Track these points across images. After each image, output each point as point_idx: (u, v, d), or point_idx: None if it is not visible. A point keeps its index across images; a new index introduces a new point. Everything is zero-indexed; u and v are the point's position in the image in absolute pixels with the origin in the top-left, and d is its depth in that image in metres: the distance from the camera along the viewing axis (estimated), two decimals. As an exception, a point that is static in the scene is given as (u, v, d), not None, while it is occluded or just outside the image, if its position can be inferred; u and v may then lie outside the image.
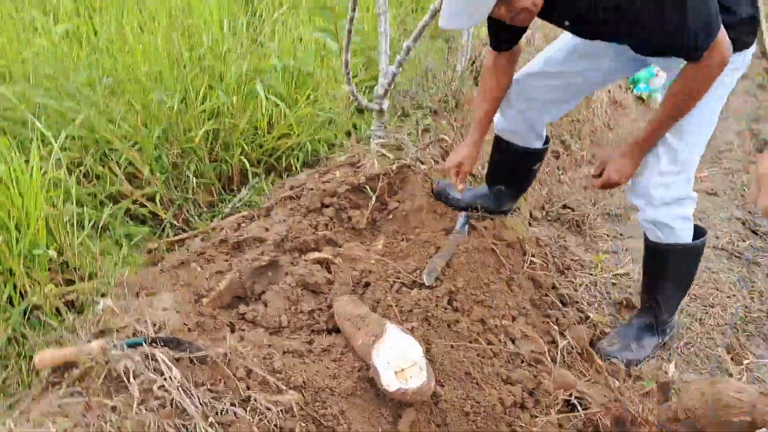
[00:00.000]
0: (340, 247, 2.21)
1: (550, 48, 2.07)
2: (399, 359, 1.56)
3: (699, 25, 1.53)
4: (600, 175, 1.89)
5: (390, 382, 1.53)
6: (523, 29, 1.89)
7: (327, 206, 2.35)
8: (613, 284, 2.39)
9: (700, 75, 1.63)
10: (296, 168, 2.70)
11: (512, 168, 2.30)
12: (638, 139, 1.83)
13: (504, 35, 1.94)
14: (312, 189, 2.40)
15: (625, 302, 2.26)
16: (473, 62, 2.99)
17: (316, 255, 2.14)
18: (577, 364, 1.92)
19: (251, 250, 2.17)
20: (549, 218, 2.78)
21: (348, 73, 2.22)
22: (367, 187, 2.36)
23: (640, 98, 4.23)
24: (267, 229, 2.23)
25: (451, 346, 1.79)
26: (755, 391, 1.29)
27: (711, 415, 1.28)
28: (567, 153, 3.23)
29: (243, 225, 2.36)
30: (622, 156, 1.85)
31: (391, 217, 2.36)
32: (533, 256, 2.29)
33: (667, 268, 2.00)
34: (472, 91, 2.84)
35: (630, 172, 1.85)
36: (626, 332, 2.07)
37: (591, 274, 2.40)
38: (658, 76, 4.20)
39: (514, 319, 2.01)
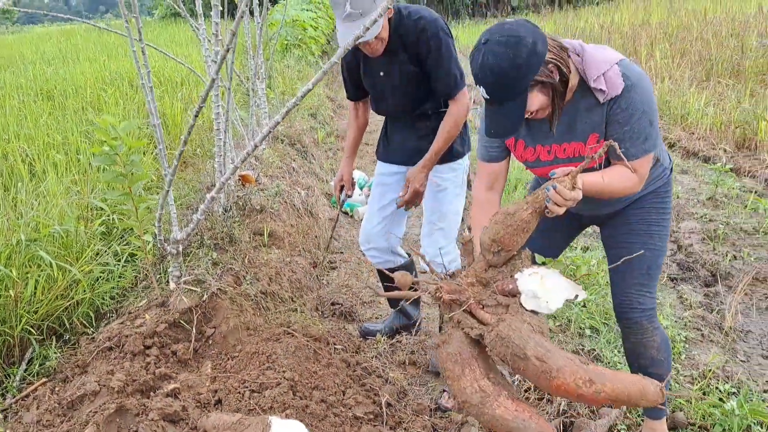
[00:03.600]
0: (174, 379, 2.43)
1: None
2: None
3: (455, 75, 2.54)
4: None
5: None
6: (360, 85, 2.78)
7: (149, 347, 2.54)
8: (392, 352, 3.04)
9: (456, 109, 2.58)
10: (91, 324, 2.80)
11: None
12: (427, 158, 2.62)
13: (351, 88, 2.85)
14: (129, 335, 2.57)
15: (407, 361, 2.93)
16: (234, 202, 3.49)
17: (161, 390, 2.33)
18: (398, 407, 2.48)
19: (90, 404, 2.26)
20: (325, 315, 3.35)
21: (159, 227, 2.53)
22: (183, 321, 2.64)
23: (345, 213, 5.19)
24: (98, 381, 2.34)
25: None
26: (525, 198, 1.69)
27: (503, 227, 1.63)
28: (316, 262, 3.89)
29: (57, 389, 2.40)
30: (420, 170, 2.63)
31: (211, 342, 2.66)
32: (335, 344, 2.82)
33: None
34: (242, 228, 3.32)
35: (426, 180, 2.68)
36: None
37: (375, 348, 3.02)
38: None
39: (344, 393, 2.50)
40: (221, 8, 2.73)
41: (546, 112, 1.79)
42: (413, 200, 2.71)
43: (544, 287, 1.59)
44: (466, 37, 19.25)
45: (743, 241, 4.08)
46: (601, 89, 1.74)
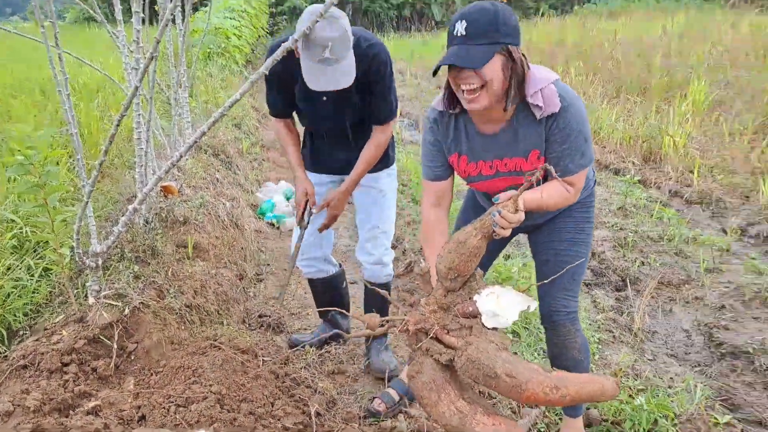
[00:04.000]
0: (95, 397, 2.36)
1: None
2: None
3: (393, 103, 2.60)
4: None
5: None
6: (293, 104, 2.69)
7: (68, 364, 2.45)
8: (321, 362, 3.05)
9: (382, 136, 2.63)
10: (3, 342, 2.67)
11: (330, 294, 3.08)
12: (349, 183, 2.66)
13: (281, 106, 2.73)
14: (45, 352, 2.46)
15: (336, 370, 2.95)
16: (156, 214, 3.40)
17: (81, 409, 2.25)
18: (328, 416, 2.50)
19: (3, 426, 2.16)
20: (252, 328, 3.33)
21: (77, 240, 2.44)
22: (103, 336, 2.56)
23: (272, 224, 5.16)
24: (11, 401, 2.24)
25: (241, 437, 2.18)
26: (472, 225, 1.78)
27: (457, 255, 1.73)
28: (243, 275, 3.85)
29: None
30: (342, 196, 2.67)
31: (133, 357, 2.59)
32: (263, 356, 2.80)
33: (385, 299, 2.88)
34: (165, 240, 3.26)
35: (345, 203, 2.72)
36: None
37: (304, 359, 3.02)
38: (278, 204, 5.24)
39: (272, 404, 2.49)
40: (143, 15, 2.69)
41: (486, 100, 1.81)
42: (331, 224, 2.78)
43: (500, 305, 1.71)
44: (390, 50, 19.50)
45: (650, 248, 4.34)
46: (537, 105, 1.85)
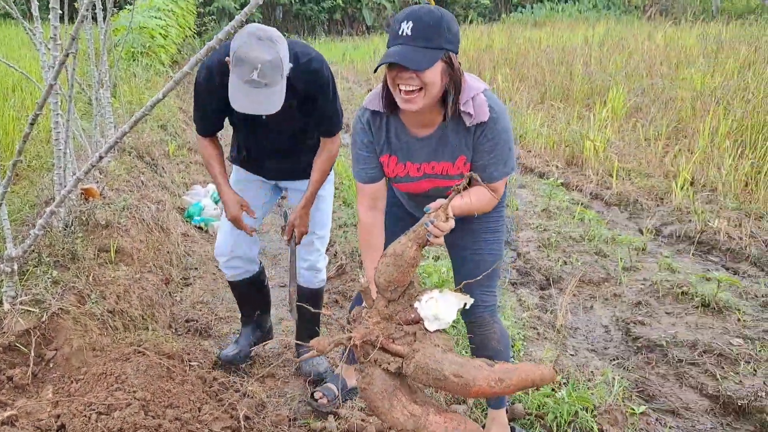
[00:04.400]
0: (11, 406, 2.25)
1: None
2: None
3: (339, 114, 2.57)
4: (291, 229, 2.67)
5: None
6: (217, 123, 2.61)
7: (-21, 374, 2.33)
8: (250, 366, 3.02)
9: (333, 146, 2.62)
10: None
11: (255, 294, 3.05)
12: (308, 198, 2.63)
13: (212, 123, 2.61)
14: (-46, 363, 2.34)
15: (266, 373, 2.93)
16: (76, 217, 3.28)
17: (-6, 419, 2.15)
18: (257, 420, 2.48)
19: None
20: (179, 333, 3.25)
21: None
22: (19, 344, 2.45)
23: (200, 228, 5.06)
24: None
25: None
26: (406, 236, 1.84)
27: (395, 268, 1.80)
28: (169, 279, 3.76)
29: None
30: (303, 213, 2.64)
31: (52, 365, 2.49)
32: (190, 361, 2.75)
33: (317, 304, 2.91)
34: (86, 244, 3.15)
35: (308, 218, 2.67)
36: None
37: (232, 363, 2.98)
38: (206, 208, 5.14)
39: (200, 409, 2.45)
40: (60, 12, 2.60)
41: (422, 102, 1.84)
42: (301, 236, 2.72)
43: (439, 308, 1.80)
44: (322, 54, 19.46)
45: (572, 248, 4.51)
46: (468, 112, 1.92)
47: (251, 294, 3.05)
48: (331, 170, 2.72)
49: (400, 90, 1.84)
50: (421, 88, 1.81)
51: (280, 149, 2.66)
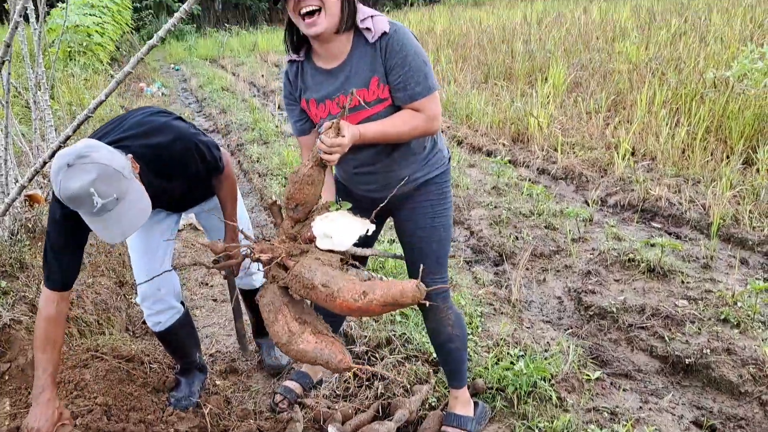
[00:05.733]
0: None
1: None
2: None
3: (216, 158, 2.30)
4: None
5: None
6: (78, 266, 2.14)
7: (-69, 393, 2.27)
8: (213, 362, 3.02)
9: (228, 175, 2.41)
10: None
11: (190, 333, 2.70)
12: (230, 230, 2.47)
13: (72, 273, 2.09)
14: None
15: (228, 369, 2.94)
16: (22, 225, 3.20)
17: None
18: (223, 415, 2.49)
19: None
20: (137, 335, 3.22)
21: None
22: (-29, 359, 2.39)
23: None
24: None
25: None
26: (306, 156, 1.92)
27: (292, 185, 1.84)
28: (123, 282, 3.70)
29: None
30: (231, 242, 2.49)
31: (7, 377, 2.44)
32: (150, 362, 2.73)
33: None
34: (34, 252, 3.07)
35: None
36: None
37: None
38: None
39: (163, 410, 2.44)
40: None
41: (325, 23, 1.85)
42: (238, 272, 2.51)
43: (335, 227, 1.81)
44: (264, 42, 19.24)
45: (522, 223, 4.63)
46: (367, 28, 1.92)
47: (186, 335, 2.68)
48: (237, 191, 2.52)
49: (302, 16, 1.85)
50: (320, 9, 1.83)
51: (174, 198, 2.38)
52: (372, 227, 1.84)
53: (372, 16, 1.93)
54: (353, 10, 1.91)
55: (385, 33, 1.91)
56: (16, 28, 1.87)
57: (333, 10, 1.85)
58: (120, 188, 1.82)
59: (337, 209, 1.88)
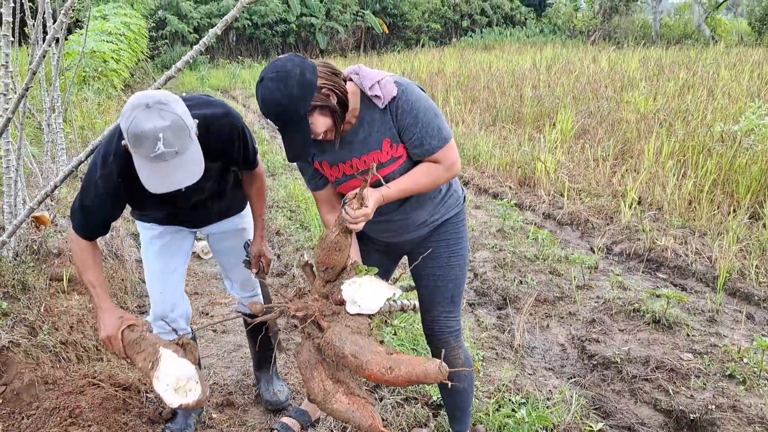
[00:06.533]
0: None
1: None
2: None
3: (255, 151, 2.43)
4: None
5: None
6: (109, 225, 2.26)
7: (-77, 414, 2.23)
8: (210, 395, 2.97)
9: (260, 173, 2.54)
10: None
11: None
12: (262, 227, 2.56)
13: (104, 225, 2.22)
14: None
15: (225, 402, 2.89)
16: (27, 246, 3.19)
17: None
18: None
19: None
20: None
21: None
22: (-34, 380, 2.36)
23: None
24: None
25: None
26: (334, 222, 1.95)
27: (321, 250, 1.94)
28: (124, 307, 3.67)
29: None
30: (261, 239, 2.56)
31: (2, 401, 2.41)
32: (147, 391, 2.69)
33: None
34: (37, 274, 3.06)
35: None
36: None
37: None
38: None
39: (158, 440, 2.40)
40: (12, 38, 2.56)
41: (333, 133, 1.94)
42: (268, 266, 2.63)
43: (362, 293, 1.90)
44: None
45: (527, 267, 4.61)
46: (377, 95, 1.94)
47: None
48: (266, 191, 2.62)
49: None
50: (325, 132, 1.91)
51: (198, 205, 2.43)
52: (399, 292, 1.91)
53: (379, 81, 1.95)
54: (344, 103, 1.92)
55: (393, 98, 1.95)
56: (44, 56, 1.90)
57: (333, 127, 1.92)
58: (183, 144, 1.89)
59: (364, 274, 1.95)
